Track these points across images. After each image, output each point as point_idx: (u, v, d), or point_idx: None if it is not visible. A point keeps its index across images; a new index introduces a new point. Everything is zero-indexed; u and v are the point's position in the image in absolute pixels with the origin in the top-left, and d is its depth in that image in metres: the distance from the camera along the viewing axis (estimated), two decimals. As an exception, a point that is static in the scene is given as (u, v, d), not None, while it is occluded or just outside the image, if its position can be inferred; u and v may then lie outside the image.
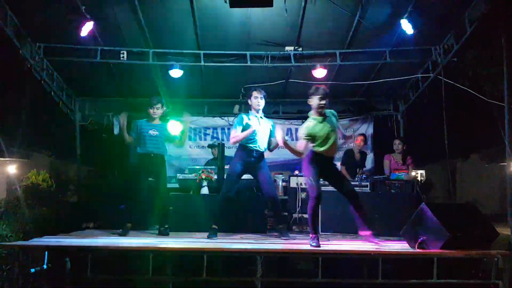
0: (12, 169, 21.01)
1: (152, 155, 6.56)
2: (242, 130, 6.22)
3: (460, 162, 19.53)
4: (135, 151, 6.74)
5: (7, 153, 17.18)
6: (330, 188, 6.32)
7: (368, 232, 5.82)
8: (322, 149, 5.64)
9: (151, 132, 6.50)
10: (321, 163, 5.70)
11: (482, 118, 12.04)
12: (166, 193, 6.86)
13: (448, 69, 8.01)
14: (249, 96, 6.35)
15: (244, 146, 6.31)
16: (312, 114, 5.66)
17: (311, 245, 5.62)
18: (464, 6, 6.61)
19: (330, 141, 5.63)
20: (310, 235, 5.80)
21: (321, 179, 5.96)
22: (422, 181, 8.01)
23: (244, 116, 6.29)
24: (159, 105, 6.52)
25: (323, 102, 5.52)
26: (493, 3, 5.85)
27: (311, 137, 5.56)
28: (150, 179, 6.81)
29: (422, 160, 9.25)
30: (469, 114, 12.64)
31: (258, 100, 6.29)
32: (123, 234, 6.40)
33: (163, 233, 6.58)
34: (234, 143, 6.43)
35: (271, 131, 6.44)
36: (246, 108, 6.73)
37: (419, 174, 7.98)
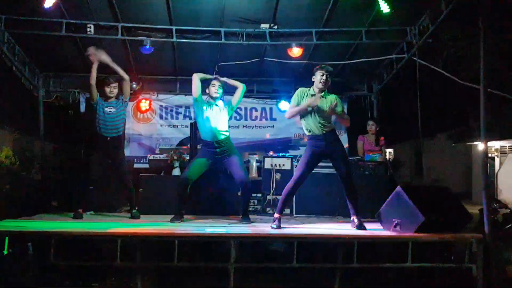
0: (-28, 145, 20.45)
1: (108, 138, 6.39)
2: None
3: (427, 141, 20.03)
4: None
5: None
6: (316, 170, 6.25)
7: (357, 220, 5.77)
8: (318, 128, 5.63)
9: (107, 109, 6.36)
10: (321, 144, 5.68)
11: (451, 99, 12.25)
12: (129, 174, 6.68)
13: (423, 50, 8.04)
14: (208, 84, 6.26)
15: (204, 141, 6.27)
16: (313, 90, 5.68)
17: (271, 227, 5.63)
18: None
19: (327, 120, 5.65)
20: (274, 215, 5.79)
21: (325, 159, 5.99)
22: (391, 159, 8.16)
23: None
24: (115, 84, 6.40)
25: (324, 78, 5.55)
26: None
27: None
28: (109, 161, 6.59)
29: (391, 140, 9.32)
30: (440, 94, 12.87)
31: (215, 88, 6.20)
32: (76, 217, 6.26)
33: (134, 216, 6.46)
34: None
35: (226, 105, 6.33)
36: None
37: (387, 152, 8.12)
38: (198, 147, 7.10)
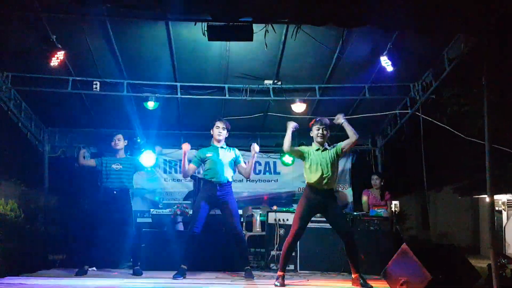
0: (-22, 198, 20.44)
1: (115, 191, 6.41)
2: (202, 163, 6.26)
3: (434, 194, 19.89)
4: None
5: (-27, 182, 16.84)
6: (313, 225, 6.22)
7: (358, 277, 5.64)
8: (313, 180, 5.58)
9: (114, 166, 6.43)
10: (315, 197, 5.61)
11: (456, 153, 12.26)
12: (134, 230, 6.63)
13: (426, 105, 8.11)
14: (212, 126, 6.26)
15: (207, 181, 6.20)
16: (315, 145, 5.67)
17: (275, 285, 5.52)
18: (443, 44, 6.67)
19: (325, 174, 5.56)
20: (277, 273, 5.71)
21: (319, 214, 5.90)
22: (397, 212, 8.09)
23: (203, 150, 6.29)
24: (119, 136, 6.48)
25: (320, 132, 5.57)
26: (473, 43, 5.89)
27: (307, 158, 5.59)
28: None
29: (396, 193, 9.28)
30: (444, 148, 12.90)
31: (219, 130, 6.20)
32: (79, 274, 6.19)
33: (136, 273, 6.37)
34: (184, 176, 6.47)
35: (234, 158, 6.35)
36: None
37: (393, 205, 8.07)
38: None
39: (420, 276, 5.18)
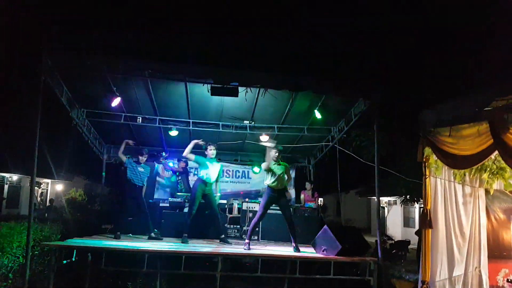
0: (59, 187, 20.01)
1: (137, 186, 6.32)
2: (198, 164, 6.23)
3: (344, 195, 20.12)
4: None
5: (56, 176, 16.44)
6: (271, 211, 6.19)
7: (295, 245, 5.67)
8: (273, 184, 5.63)
9: (139, 169, 6.35)
10: (273, 195, 5.67)
11: (358, 170, 12.48)
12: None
13: (340, 141, 8.26)
14: (206, 148, 6.24)
15: (203, 180, 6.12)
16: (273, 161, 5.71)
17: (244, 249, 5.47)
18: (351, 104, 6.85)
19: (280, 180, 5.65)
20: (245, 240, 5.67)
21: (274, 205, 5.89)
22: (321, 205, 8.17)
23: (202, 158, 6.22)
24: (146, 155, 6.46)
25: (277, 154, 5.67)
26: (369, 104, 6.06)
27: (271, 171, 5.62)
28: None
29: (322, 193, 9.28)
30: (350, 168, 13.12)
31: (212, 151, 6.20)
32: (116, 238, 6.04)
33: (157, 238, 6.24)
34: (184, 154, 6.16)
35: (219, 170, 6.32)
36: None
37: (319, 200, 8.13)
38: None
39: (334, 245, 5.21)
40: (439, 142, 4.25)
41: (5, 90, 12.01)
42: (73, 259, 5.06)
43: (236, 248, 5.78)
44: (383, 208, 20.10)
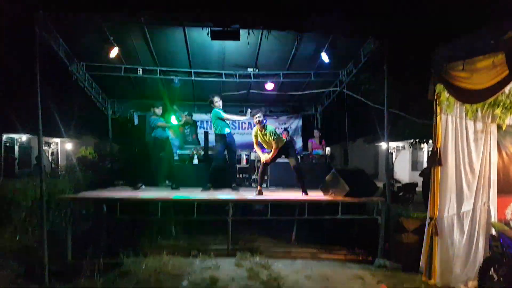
0: (69, 146, 20.36)
1: (162, 138, 6.53)
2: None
3: (351, 144, 20.17)
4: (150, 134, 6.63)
5: (65, 135, 16.63)
6: (280, 161, 6.27)
7: (303, 191, 5.86)
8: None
9: (159, 124, 6.55)
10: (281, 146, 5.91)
11: (366, 117, 12.32)
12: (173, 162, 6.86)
13: (349, 85, 8.06)
14: (213, 101, 6.45)
15: (223, 135, 6.31)
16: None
17: (254, 195, 5.61)
18: (360, 45, 6.56)
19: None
20: (257, 187, 5.83)
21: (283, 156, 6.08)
22: (328, 154, 8.27)
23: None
24: (160, 108, 6.71)
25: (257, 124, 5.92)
26: (379, 43, 5.81)
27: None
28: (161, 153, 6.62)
29: (329, 143, 9.32)
30: (359, 114, 12.94)
31: (219, 102, 6.46)
32: (136, 189, 6.30)
33: (172, 187, 6.50)
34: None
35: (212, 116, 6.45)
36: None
37: (327, 150, 8.19)
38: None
39: (342, 188, 5.29)
40: (451, 78, 4.11)
41: (4, 50, 11.73)
42: (89, 211, 5.23)
43: (245, 195, 5.91)
44: (391, 153, 20.22)
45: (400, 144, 19.81)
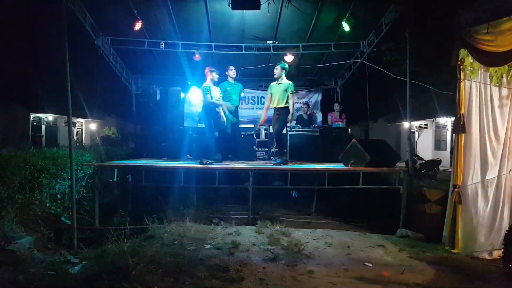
0: (93, 126, 20.97)
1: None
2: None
3: (372, 124, 19.82)
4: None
5: (89, 115, 17.11)
6: (298, 133, 6.28)
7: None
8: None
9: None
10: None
11: (386, 94, 12.09)
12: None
13: (370, 57, 7.91)
14: (227, 70, 6.24)
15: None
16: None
17: (274, 164, 5.67)
18: (381, 13, 6.43)
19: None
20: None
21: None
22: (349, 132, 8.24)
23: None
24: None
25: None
26: (401, 12, 5.67)
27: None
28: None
29: (348, 122, 9.17)
30: (380, 89, 12.65)
31: (234, 72, 6.21)
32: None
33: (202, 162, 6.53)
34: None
35: (240, 91, 6.33)
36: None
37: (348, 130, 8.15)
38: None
39: (363, 158, 5.30)
40: (475, 41, 4.00)
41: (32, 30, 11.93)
42: (115, 179, 5.46)
43: (265, 165, 6.01)
44: (413, 133, 19.81)
45: (422, 123, 19.36)
